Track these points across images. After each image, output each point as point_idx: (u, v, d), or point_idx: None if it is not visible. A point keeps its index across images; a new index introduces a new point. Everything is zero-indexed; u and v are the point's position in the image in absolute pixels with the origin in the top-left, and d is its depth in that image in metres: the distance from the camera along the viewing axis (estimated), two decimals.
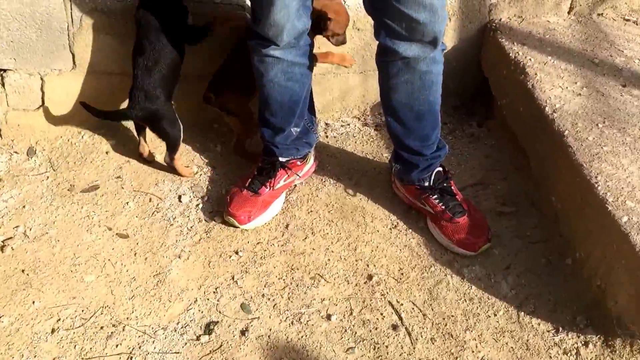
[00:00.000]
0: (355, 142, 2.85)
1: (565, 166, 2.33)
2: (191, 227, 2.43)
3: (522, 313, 2.22)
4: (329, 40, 2.45)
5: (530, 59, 2.69)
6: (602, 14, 2.92)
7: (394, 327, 2.17)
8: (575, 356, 2.11)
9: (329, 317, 2.18)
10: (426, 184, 2.43)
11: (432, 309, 2.23)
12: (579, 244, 2.32)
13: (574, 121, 2.41)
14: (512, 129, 2.77)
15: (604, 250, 2.16)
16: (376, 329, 2.17)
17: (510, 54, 2.73)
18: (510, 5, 2.84)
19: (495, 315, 2.22)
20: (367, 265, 2.34)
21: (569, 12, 2.91)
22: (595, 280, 2.21)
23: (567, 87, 2.56)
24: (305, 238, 2.42)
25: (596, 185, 2.18)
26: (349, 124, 2.94)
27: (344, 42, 2.47)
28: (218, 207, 2.50)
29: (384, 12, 2.01)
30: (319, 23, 2.33)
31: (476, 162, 2.78)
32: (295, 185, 2.59)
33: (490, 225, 2.45)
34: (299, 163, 2.52)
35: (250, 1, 2.14)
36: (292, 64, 2.23)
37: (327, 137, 2.87)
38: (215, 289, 2.25)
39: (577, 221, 2.33)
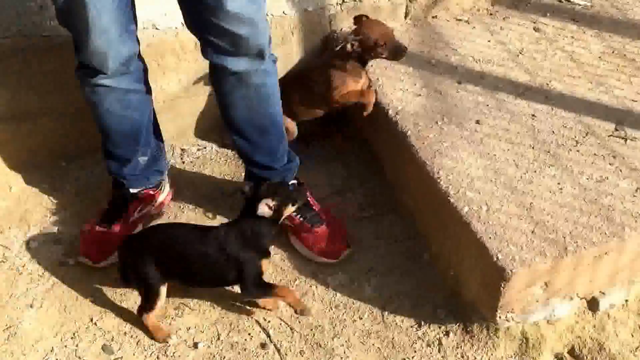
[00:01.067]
0: (213, 165, 2.83)
1: (412, 165, 2.42)
2: (42, 273, 2.32)
3: (386, 313, 2.27)
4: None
5: (371, 65, 2.76)
6: (436, 16, 3.05)
7: (263, 346, 2.16)
8: (437, 347, 2.18)
9: (195, 345, 2.15)
10: None
11: (299, 322, 2.24)
12: (433, 238, 2.41)
13: (415, 121, 2.51)
14: (365, 135, 2.84)
15: (453, 241, 2.25)
16: (245, 349, 2.15)
17: None
18: (349, 14, 2.91)
19: (360, 318, 2.26)
20: (232, 287, 2.32)
21: (405, 17, 3.02)
22: (450, 271, 2.30)
23: (407, 89, 2.66)
24: None
25: (439, 181, 2.27)
26: (205, 147, 2.91)
27: (402, 50, 2.48)
28: (71, 248, 2.40)
29: (206, 30, 2.01)
30: (375, 49, 2.42)
31: (336, 171, 2.82)
32: (152, 215, 2.53)
33: (350, 231, 2.50)
34: (152, 192, 2.47)
35: (69, 29, 2.06)
36: (126, 92, 2.18)
37: (183, 162, 2.83)
38: (73, 334, 2.16)
39: (429, 217, 2.42)
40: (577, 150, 2.37)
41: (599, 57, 2.82)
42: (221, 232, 2.12)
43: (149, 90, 2.29)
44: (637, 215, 2.12)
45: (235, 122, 2.27)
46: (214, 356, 2.12)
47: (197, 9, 1.97)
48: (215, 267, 2.11)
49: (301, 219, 2.43)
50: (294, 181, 2.47)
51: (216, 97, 2.26)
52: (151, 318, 2.12)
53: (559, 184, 2.24)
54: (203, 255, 2.09)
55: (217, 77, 2.16)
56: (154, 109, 2.39)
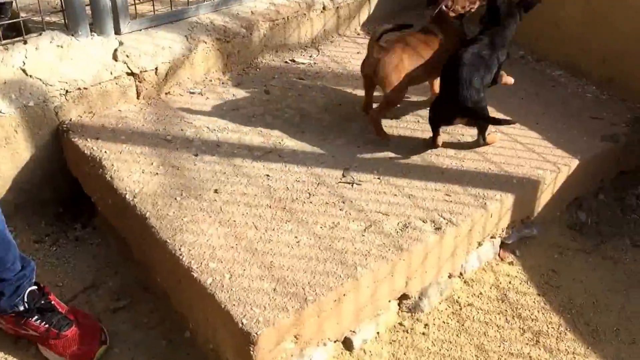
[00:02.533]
0: None
1: (156, 246, 2.37)
2: None
3: None
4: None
5: (105, 152, 2.71)
6: (169, 92, 3.08)
7: None
8: None
9: None
10: (21, 308, 2.28)
11: None
12: (190, 315, 2.37)
13: (154, 201, 2.48)
14: (111, 222, 2.76)
15: (204, 315, 2.23)
16: None
17: (86, 151, 2.72)
18: (76, 104, 2.85)
19: None
20: None
21: (138, 97, 3.02)
22: (209, 344, 2.27)
23: (144, 170, 2.63)
24: None
25: (181, 257, 2.25)
26: None
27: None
28: None
29: None
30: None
31: (85, 265, 2.70)
32: None
33: (106, 325, 2.39)
34: None
35: None
36: None
37: None
38: None
39: (180, 295, 2.38)
40: (311, 202, 2.48)
41: (325, 110, 3.01)
42: None
43: None
44: (366, 254, 2.25)
45: None
46: None
47: None
48: None
49: (46, 325, 2.28)
50: (33, 287, 2.32)
51: None
52: None
53: (295, 237, 2.32)
54: None
55: None
56: None
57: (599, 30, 3.29)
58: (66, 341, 2.27)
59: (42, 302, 2.31)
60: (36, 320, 2.28)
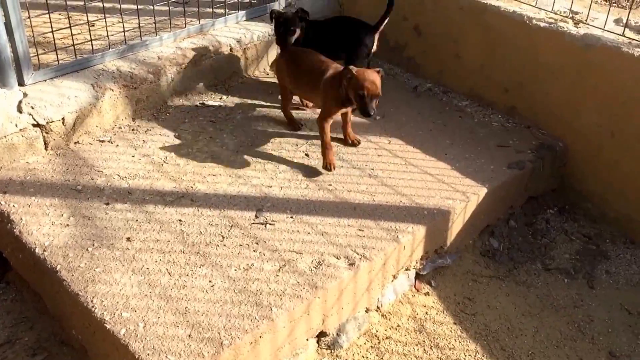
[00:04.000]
0: None
1: (68, 299, 2.32)
2: None
3: None
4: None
5: (14, 205, 2.64)
6: (78, 141, 3.04)
7: None
8: None
9: None
10: None
11: None
12: None
13: (65, 253, 2.43)
14: (24, 276, 2.67)
15: None
16: None
17: None
18: None
19: None
20: None
21: (46, 149, 2.96)
22: None
23: (54, 222, 2.57)
24: None
25: (93, 309, 2.21)
26: None
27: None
28: None
29: None
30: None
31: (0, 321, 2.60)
32: None
33: None
34: None
35: None
36: None
37: None
38: None
39: (97, 347, 2.32)
40: (224, 245, 2.48)
41: (236, 152, 3.03)
42: None
43: None
44: (281, 293, 2.27)
45: None
46: None
47: None
48: None
49: None
50: None
51: None
52: None
53: (210, 281, 2.31)
54: None
55: None
56: None
57: (497, 62, 3.46)
58: None
59: None
60: None
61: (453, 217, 2.83)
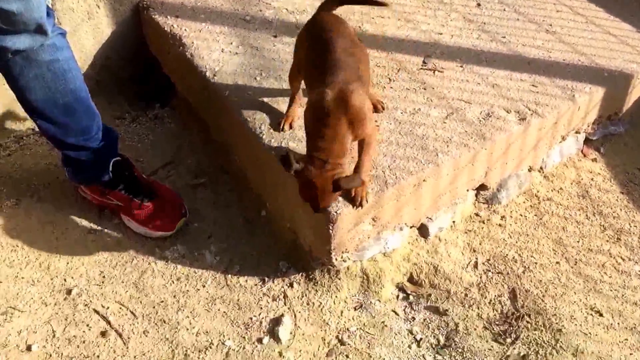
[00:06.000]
0: (33, 155, 2.66)
1: (235, 124, 2.38)
2: None
3: (230, 276, 2.25)
4: None
5: (185, 29, 2.69)
6: None
7: (103, 334, 2.08)
8: (283, 299, 2.19)
9: (29, 348, 2.03)
10: (106, 178, 2.34)
11: (141, 302, 2.17)
12: (267, 195, 2.40)
13: (234, 80, 2.46)
14: (190, 102, 2.77)
15: (284, 194, 2.24)
16: (84, 342, 2.06)
17: (166, 28, 2.70)
18: None
19: (204, 286, 2.22)
20: (65, 280, 2.21)
21: None
22: (286, 224, 2.30)
23: (224, 49, 2.60)
24: None
25: (261, 136, 2.25)
26: (22, 138, 2.73)
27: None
28: None
29: None
30: None
31: (163, 143, 2.75)
32: None
33: (186, 201, 2.45)
34: None
35: None
36: None
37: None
38: None
39: (259, 174, 2.41)
40: (391, 87, 2.42)
41: None
42: None
43: None
44: (447, 140, 2.21)
45: (35, 106, 2.11)
46: (50, 355, 2.02)
47: None
48: None
49: (130, 195, 2.34)
50: (118, 158, 2.37)
51: (8, 84, 2.10)
52: None
53: (375, 121, 2.28)
54: None
55: (1, 61, 2.00)
56: None
57: None
58: (149, 212, 2.34)
59: (126, 173, 2.36)
60: (121, 190, 2.35)
61: (635, 82, 2.61)
